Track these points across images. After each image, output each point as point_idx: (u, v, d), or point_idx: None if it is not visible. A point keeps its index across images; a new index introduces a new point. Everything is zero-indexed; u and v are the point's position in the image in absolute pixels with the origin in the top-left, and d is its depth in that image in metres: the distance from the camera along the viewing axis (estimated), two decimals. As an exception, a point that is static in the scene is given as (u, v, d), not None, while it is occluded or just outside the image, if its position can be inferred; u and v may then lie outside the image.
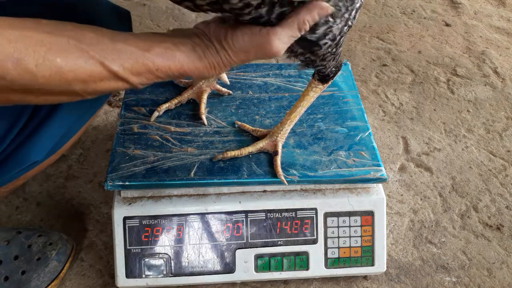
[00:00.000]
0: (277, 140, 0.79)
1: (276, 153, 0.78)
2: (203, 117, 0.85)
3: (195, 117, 0.85)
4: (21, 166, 0.68)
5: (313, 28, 0.57)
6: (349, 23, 0.62)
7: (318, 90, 0.77)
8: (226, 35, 0.53)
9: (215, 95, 0.90)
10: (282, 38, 0.53)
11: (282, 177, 0.75)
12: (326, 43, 0.62)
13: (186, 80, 0.90)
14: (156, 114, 0.84)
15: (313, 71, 0.75)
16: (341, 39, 0.64)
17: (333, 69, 0.72)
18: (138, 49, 0.50)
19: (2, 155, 0.66)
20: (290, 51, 0.62)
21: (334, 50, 0.65)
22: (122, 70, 0.48)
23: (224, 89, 0.90)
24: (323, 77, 0.74)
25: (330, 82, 0.76)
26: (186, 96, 0.87)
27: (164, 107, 0.85)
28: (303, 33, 0.54)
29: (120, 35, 0.50)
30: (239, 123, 0.84)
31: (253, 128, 0.83)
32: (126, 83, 0.50)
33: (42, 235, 0.83)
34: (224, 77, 0.91)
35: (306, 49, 0.62)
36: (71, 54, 0.45)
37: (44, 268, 0.80)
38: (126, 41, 0.50)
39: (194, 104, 0.88)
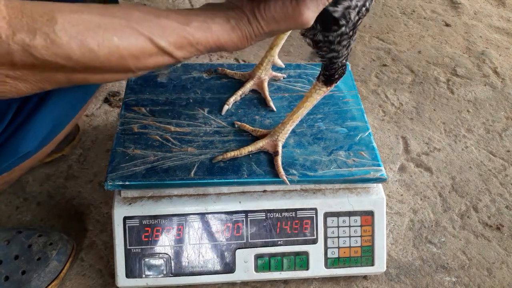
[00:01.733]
0: (278, 140, 0.79)
1: (276, 153, 0.78)
2: (271, 104, 0.88)
3: (195, 117, 0.85)
4: (13, 156, 0.68)
5: (336, 1, 0.61)
6: (367, 4, 0.64)
7: (321, 93, 0.78)
8: (259, 5, 0.55)
9: (215, 96, 0.90)
10: (312, 7, 0.56)
11: (284, 177, 0.75)
12: (347, 20, 0.63)
13: (242, 72, 0.94)
14: (226, 107, 0.87)
15: (319, 73, 0.75)
16: (359, 21, 0.66)
17: (340, 68, 0.73)
18: (179, 23, 0.52)
19: None
20: (312, 28, 0.64)
21: (351, 33, 0.66)
22: (168, 45, 0.51)
23: (279, 75, 0.95)
24: (328, 78, 0.75)
25: (333, 85, 0.76)
26: (248, 87, 0.91)
27: (232, 100, 0.88)
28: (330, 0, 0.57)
29: (162, 12, 0.53)
30: (239, 123, 0.84)
31: (253, 128, 0.83)
32: (171, 58, 0.53)
33: (43, 235, 0.83)
34: (279, 61, 0.94)
35: (326, 26, 0.64)
36: (124, 33, 0.49)
37: (45, 268, 0.80)
38: (168, 16, 0.52)
39: (194, 104, 0.88)
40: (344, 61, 0.73)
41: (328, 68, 0.73)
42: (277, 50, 0.92)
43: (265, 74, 0.92)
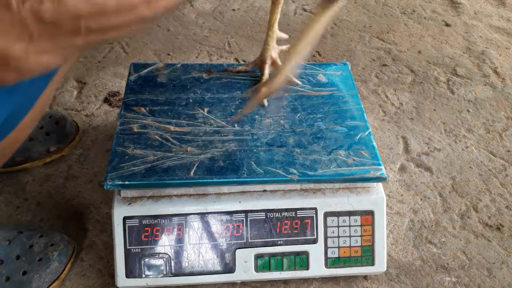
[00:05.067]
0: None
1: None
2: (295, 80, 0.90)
3: (195, 116, 0.85)
4: None
5: None
6: None
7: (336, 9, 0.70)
8: None
9: (215, 96, 0.90)
10: None
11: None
12: None
13: (250, 63, 0.93)
14: (266, 102, 0.86)
15: None
16: None
17: None
18: None
19: None
20: None
21: None
22: None
23: (285, 47, 0.92)
24: None
25: None
26: (267, 72, 0.89)
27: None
28: None
29: None
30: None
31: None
32: None
33: (44, 235, 0.83)
34: (282, 34, 0.91)
35: None
36: None
37: (46, 269, 0.80)
38: None
39: (193, 104, 0.88)
40: None
41: None
42: (276, 25, 0.89)
43: (276, 52, 0.90)
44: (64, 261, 0.82)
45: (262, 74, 0.90)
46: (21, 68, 0.45)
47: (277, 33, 0.90)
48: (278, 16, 0.89)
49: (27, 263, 0.79)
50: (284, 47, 0.93)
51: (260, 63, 0.91)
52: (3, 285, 0.78)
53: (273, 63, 0.90)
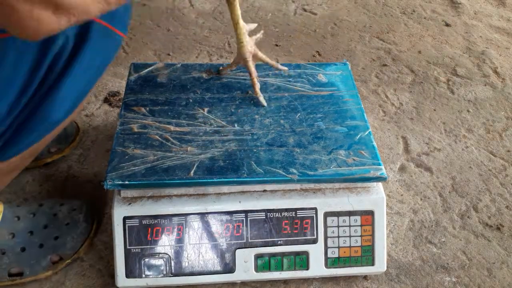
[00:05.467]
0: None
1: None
2: (280, 67, 0.96)
3: (195, 116, 0.85)
4: (44, 125, 0.66)
5: None
6: None
7: None
8: None
9: (215, 96, 0.90)
10: None
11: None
12: None
13: (229, 64, 0.95)
14: (263, 100, 0.89)
15: None
16: None
17: None
18: None
19: (21, 116, 0.63)
20: None
21: None
22: None
23: (258, 35, 0.96)
24: None
25: None
26: (253, 68, 0.91)
27: (258, 90, 0.90)
28: None
29: None
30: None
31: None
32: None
33: (64, 203, 0.87)
34: (250, 25, 0.93)
35: None
36: None
37: (76, 230, 0.84)
38: None
39: (193, 104, 0.88)
40: None
41: None
42: (240, 20, 0.89)
43: (252, 45, 0.91)
44: (90, 221, 0.87)
45: (250, 73, 0.90)
46: (65, 6, 0.43)
47: (245, 27, 0.89)
48: (239, 12, 0.88)
49: (57, 229, 0.83)
50: (258, 35, 0.94)
51: (240, 61, 0.91)
52: (38, 252, 0.81)
53: (254, 56, 0.91)
